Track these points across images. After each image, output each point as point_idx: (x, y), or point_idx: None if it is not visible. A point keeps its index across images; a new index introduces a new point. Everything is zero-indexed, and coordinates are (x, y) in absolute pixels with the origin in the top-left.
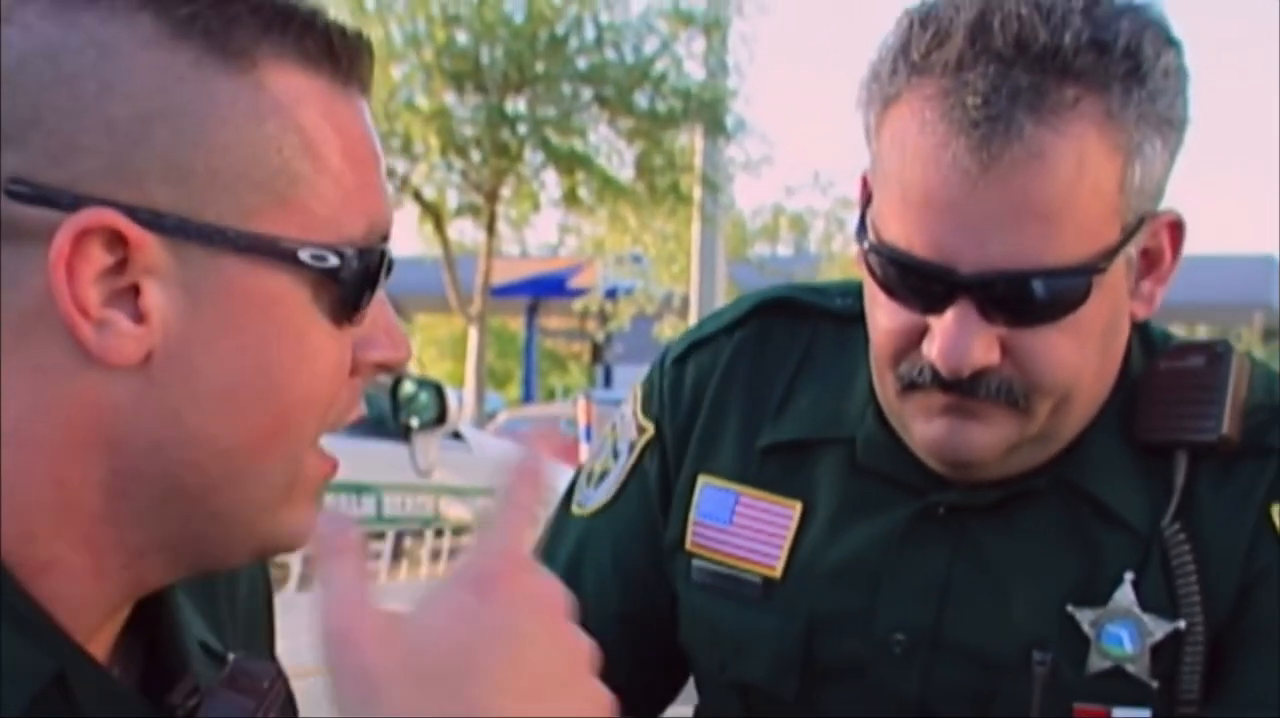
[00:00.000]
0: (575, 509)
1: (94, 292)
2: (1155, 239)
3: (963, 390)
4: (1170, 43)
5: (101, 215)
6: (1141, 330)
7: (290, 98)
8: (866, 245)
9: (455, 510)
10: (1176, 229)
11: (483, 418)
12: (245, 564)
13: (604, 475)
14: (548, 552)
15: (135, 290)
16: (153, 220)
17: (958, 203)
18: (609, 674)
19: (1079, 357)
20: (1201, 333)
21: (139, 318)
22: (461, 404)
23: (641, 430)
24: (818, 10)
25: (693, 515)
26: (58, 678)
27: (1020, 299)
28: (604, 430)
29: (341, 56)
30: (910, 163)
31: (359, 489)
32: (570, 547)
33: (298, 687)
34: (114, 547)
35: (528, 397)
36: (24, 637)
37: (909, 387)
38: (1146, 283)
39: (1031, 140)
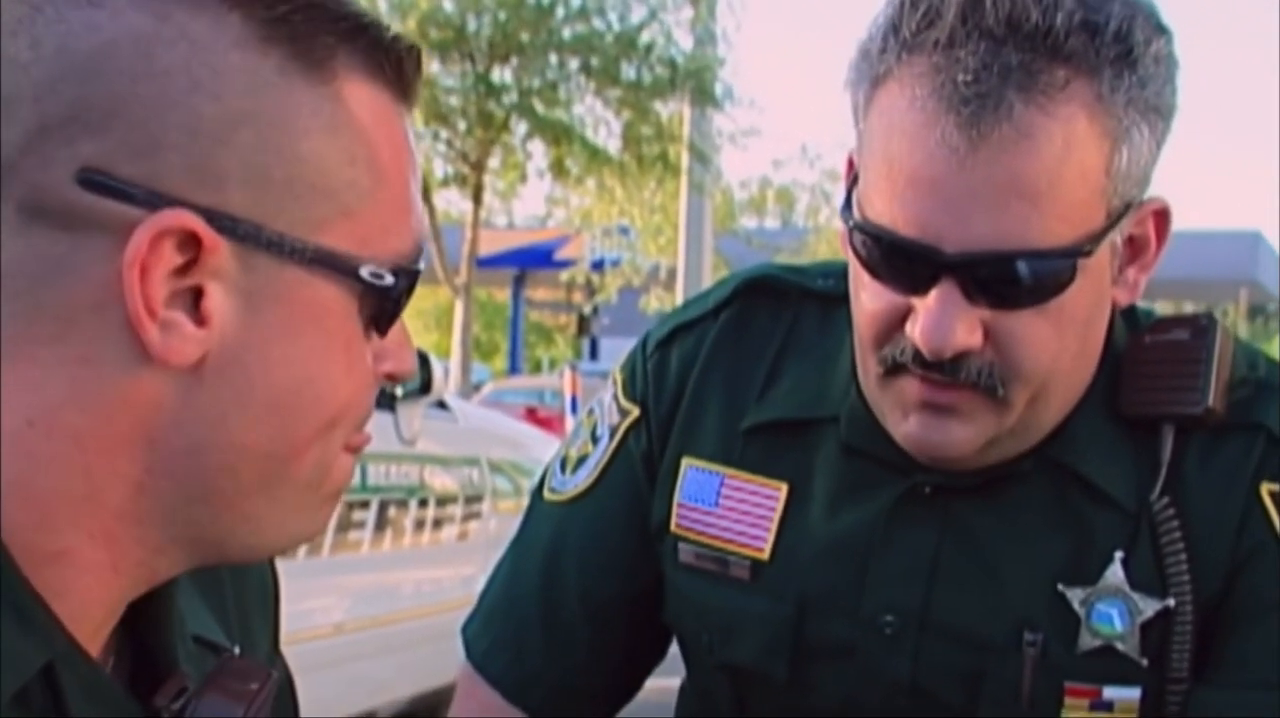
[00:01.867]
0: (549, 496)
1: (160, 291)
2: (1141, 227)
3: (943, 372)
4: (1160, 29)
5: (182, 217)
6: (1125, 309)
7: (363, 112)
8: (851, 224)
9: (440, 480)
10: (1163, 218)
11: (468, 390)
12: (258, 561)
13: (582, 461)
14: (525, 540)
15: (197, 292)
16: (228, 225)
17: (944, 181)
18: (597, 659)
19: (1059, 343)
20: (1188, 309)
21: (200, 320)
22: (448, 375)
23: (624, 413)
24: None
25: (677, 498)
26: (46, 670)
27: (1004, 281)
28: (580, 417)
29: (406, 74)
30: (897, 139)
31: None
32: (548, 534)
33: (306, 649)
34: (134, 543)
35: (514, 368)
36: (17, 625)
37: (891, 370)
38: (1131, 270)
39: (1020, 120)
